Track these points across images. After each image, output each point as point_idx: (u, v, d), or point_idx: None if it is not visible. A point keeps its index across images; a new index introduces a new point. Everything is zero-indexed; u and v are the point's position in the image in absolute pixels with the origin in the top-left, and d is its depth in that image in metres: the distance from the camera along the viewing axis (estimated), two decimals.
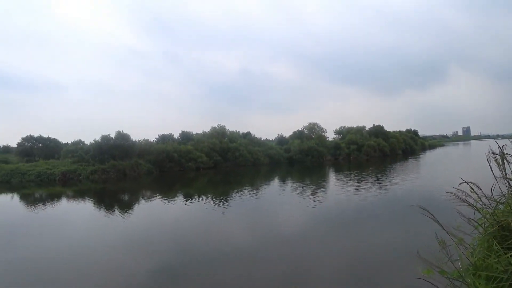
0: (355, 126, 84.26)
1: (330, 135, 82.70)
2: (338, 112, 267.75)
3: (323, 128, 79.20)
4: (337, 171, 50.22)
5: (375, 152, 74.55)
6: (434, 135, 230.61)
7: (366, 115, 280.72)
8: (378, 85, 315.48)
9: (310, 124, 79.29)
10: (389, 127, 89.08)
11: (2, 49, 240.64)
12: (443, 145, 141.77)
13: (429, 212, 2.87)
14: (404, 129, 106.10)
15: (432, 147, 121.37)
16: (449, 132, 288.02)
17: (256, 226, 18.19)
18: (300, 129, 79.79)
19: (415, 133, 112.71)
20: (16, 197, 33.42)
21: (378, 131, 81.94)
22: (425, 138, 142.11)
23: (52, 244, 15.53)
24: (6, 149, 73.13)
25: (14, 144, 61.98)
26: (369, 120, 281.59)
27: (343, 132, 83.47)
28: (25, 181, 42.38)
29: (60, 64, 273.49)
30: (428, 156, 77.58)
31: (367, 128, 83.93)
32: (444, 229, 2.65)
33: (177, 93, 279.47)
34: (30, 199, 31.92)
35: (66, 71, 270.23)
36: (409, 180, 33.55)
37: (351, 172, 46.22)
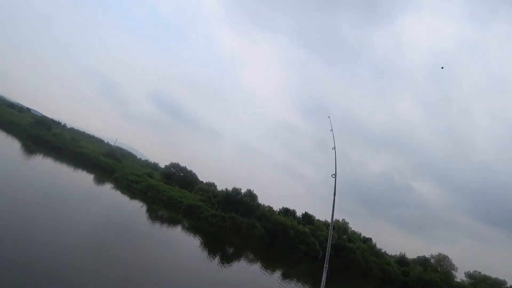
0: (493, 276, 68.15)
1: (460, 275, 69.46)
2: (475, 254, 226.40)
3: (453, 264, 67.91)
4: None
5: None
6: None
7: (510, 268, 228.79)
8: None
9: (440, 255, 69.35)
10: None
11: (191, 97, 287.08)
12: None
13: None
14: None
15: None
16: None
17: None
18: (427, 256, 70.35)
19: None
20: (144, 208, 35.87)
21: None
22: None
23: (153, 261, 15.08)
24: (155, 167, 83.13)
25: (162, 165, 69.81)
26: None
27: (476, 278, 68.86)
28: (157, 198, 45.97)
29: (223, 117, 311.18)
30: None
31: (508, 284, 66.76)
32: None
33: (313, 175, 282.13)
34: (153, 215, 33.86)
35: (226, 124, 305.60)
36: None
37: None
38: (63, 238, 12.73)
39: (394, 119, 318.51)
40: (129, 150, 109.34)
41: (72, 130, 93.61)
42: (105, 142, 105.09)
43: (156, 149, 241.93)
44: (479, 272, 71.38)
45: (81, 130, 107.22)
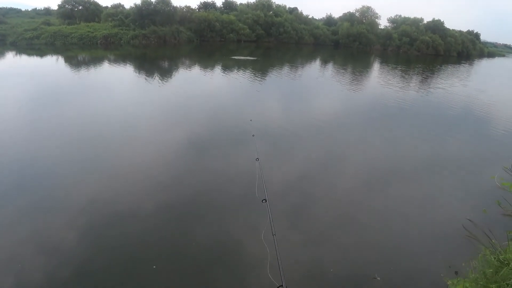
0: (412, 17, 74.46)
1: (383, 23, 75.71)
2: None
3: (376, 13, 72.25)
4: (383, 62, 46.40)
5: (427, 49, 66.92)
6: (497, 43, 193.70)
7: (427, 7, 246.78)
8: None
9: (363, 7, 72.09)
10: (450, 24, 76.95)
11: None
12: (503, 55, 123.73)
13: None
14: (465, 30, 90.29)
15: (491, 55, 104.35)
16: None
17: (290, 107, 17.07)
18: (351, 11, 72.85)
19: (476, 36, 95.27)
20: (60, 59, 33.15)
21: (436, 27, 71.38)
22: (485, 43, 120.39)
23: (95, 105, 15.15)
24: (48, 11, 72.26)
25: (54, 6, 60.61)
26: (429, 13, 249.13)
27: (397, 22, 75.01)
28: (68, 44, 42.05)
29: None
30: (485, 65, 64.99)
31: (425, 21, 73.40)
32: None
33: None
34: (74, 62, 31.66)
35: None
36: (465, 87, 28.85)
37: (398, 66, 42.23)
38: None
39: None
40: (9, 6, 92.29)
41: None
42: None
43: None
44: (400, 15, 76.65)
45: None
